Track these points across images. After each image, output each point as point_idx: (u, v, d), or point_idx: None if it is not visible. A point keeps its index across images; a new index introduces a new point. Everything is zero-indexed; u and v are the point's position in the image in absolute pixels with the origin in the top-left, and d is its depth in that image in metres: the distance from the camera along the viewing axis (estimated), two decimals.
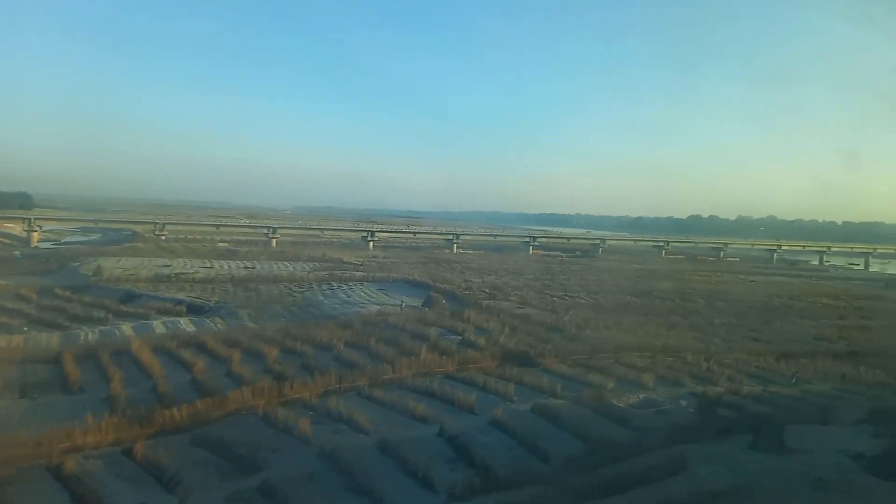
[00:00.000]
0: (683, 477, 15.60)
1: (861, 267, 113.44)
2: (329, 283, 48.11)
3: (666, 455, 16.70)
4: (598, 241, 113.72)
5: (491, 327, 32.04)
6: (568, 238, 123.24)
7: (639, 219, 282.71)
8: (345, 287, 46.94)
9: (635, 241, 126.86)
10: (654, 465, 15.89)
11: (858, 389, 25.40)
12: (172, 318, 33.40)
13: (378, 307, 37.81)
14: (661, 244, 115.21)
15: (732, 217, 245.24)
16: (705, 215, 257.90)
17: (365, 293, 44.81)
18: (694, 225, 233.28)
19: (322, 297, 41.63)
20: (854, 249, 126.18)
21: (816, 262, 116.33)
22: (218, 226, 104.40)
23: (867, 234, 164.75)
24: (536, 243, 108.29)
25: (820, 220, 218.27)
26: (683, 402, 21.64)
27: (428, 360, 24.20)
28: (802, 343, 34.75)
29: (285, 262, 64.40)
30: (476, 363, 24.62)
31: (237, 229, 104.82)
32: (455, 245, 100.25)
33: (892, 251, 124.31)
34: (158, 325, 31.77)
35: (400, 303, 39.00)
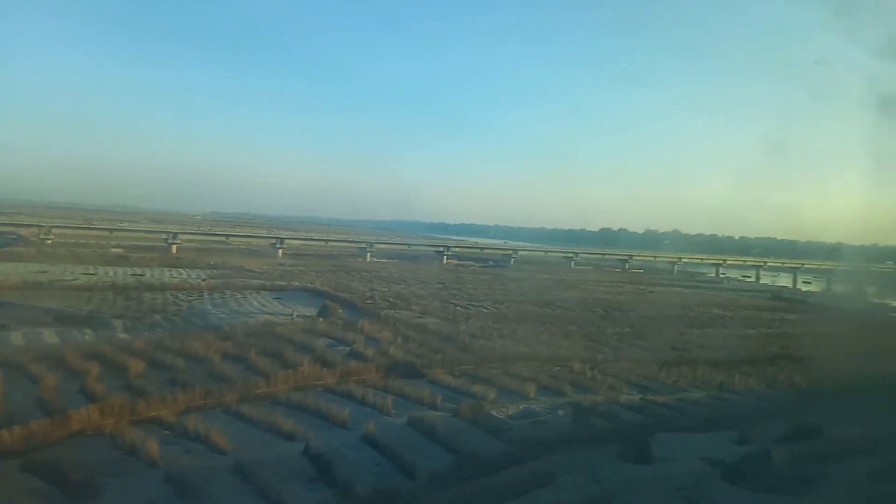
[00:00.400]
0: (549, 490, 15.49)
1: (753, 279, 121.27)
2: (222, 292, 45.80)
3: (534, 467, 16.61)
4: (510, 252, 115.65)
5: (384, 337, 31.33)
6: (482, 248, 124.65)
7: (554, 230, 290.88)
8: (238, 296, 44.80)
9: (546, 252, 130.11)
10: (520, 477, 15.73)
11: (729, 397, 26.55)
12: (35, 329, 30.48)
13: (269, 317, 36.21)
14: (571, 255, 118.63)
15: (640, 230, 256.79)
16: (615, 228, 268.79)
17: (259, 302, 42.93)
18: (605, 237, 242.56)
19: (210, 307, 39.42)
20: (747, 262, 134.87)
21: (713, 274, 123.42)
22: (111, 230, 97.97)
23: (761, 249, 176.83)
24: (450, 253, 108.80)
25: (719, 235, 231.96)
26: (561, 412, 21.76)
27: (308, 372, 23.18)
28: (687, 352, 36.18)
29: (180, 270, 61.02)
30: (359, 375, 23.84)
31: (135, 234, 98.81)
32: (368, 254, 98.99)
33: (779, 265, 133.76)
34: (17, 337, 28.86)
35: (291, 312, 37.66)
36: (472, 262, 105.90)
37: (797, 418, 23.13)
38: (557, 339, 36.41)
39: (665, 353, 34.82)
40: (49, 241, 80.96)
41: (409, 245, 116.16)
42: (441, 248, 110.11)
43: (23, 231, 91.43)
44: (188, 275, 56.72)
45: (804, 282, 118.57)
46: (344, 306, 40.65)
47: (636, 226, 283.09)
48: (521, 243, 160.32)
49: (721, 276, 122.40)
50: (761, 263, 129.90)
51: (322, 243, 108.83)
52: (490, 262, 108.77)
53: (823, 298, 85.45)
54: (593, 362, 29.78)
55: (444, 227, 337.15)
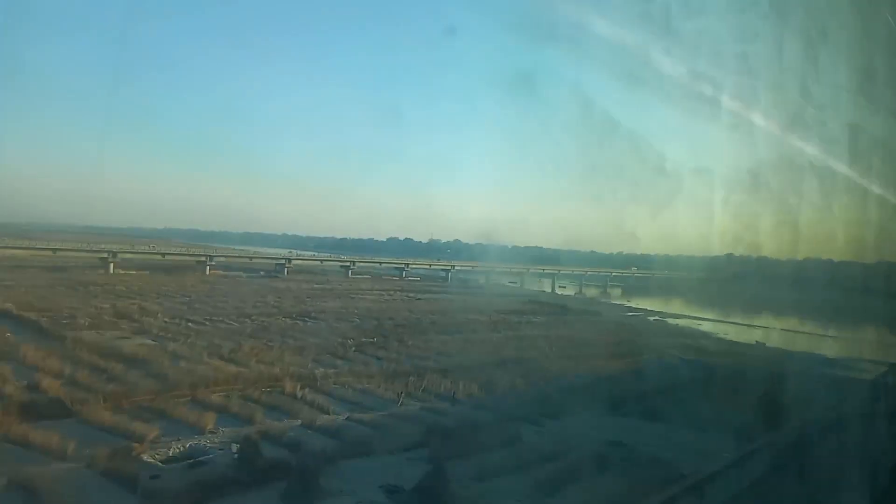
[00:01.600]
0: None
1: (518, 284, 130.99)
2: None
3: None
4: (283, 261, 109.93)
5: (46, 366, 25.05)
6: (251, 257, 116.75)
7: (343, 239, 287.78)
8: None
9: (322, 261, 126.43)
10: None
11: (445, 407, 25.59)
12: None
13: None
14: (348, 264, 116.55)
15: (425, 240, 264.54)
16: (402, 237, 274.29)
17: None
18: (391, 246, 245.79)
19: None
20: (512, 270, 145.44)
21: (483, 281, 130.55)
22: None
23: (531, 257, 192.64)
24: (214, 262, 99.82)
25: (491, 244, 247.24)
26: (235, 447, 18.46)
27: None
28: (424, 360, 35.25)
29: None
30: None
31: None
32: (112, 264, 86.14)
33: (540, 271, 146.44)
34: None
35: None
36: (240, 273, 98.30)
37: (501, 426, 22.79)
38: (288, 354, 33.07)
39: (400, 363, 33.52)
40: None
41: (163, 255, 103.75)
42: (203, 258, 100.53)
43: None
44: None
45: (560, 286, 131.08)
46: (23, 328, 32.82)
47: (421, 235, 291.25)
48: (305, 252, 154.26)
49: (490, 282, 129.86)
50: (525, 270, 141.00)
51: (50, 253, 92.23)
52: (261, 273, 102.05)
53: (572, 301, 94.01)
54: (311, 379, 27.06)
55: (227, 237, 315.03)
